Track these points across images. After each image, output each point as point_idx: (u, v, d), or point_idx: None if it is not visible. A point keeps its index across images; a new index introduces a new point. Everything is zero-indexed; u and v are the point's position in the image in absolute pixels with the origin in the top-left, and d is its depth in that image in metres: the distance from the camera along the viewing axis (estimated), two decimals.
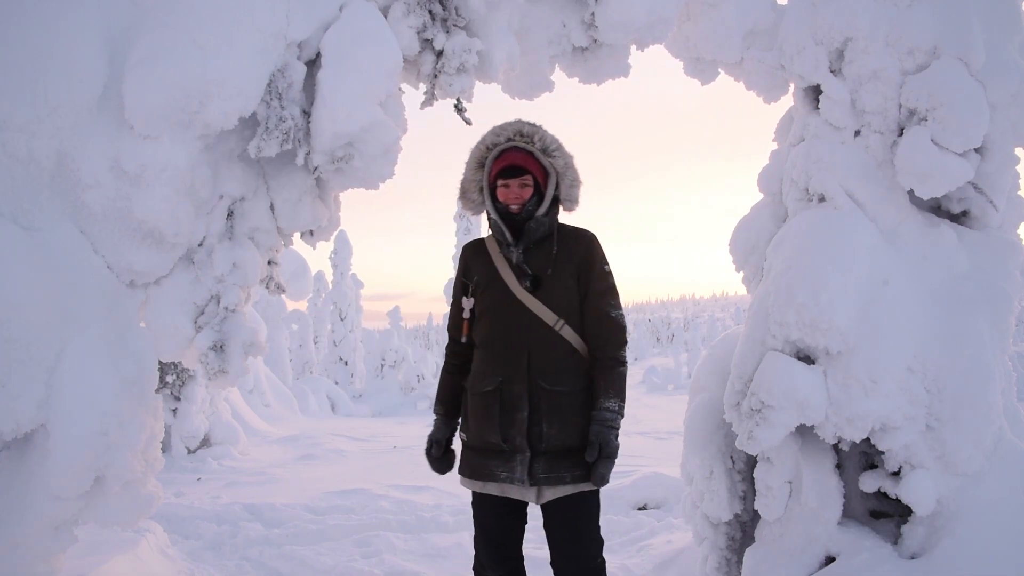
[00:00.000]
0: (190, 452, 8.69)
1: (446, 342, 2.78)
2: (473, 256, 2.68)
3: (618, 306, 2.61)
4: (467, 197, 2.66)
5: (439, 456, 2.70)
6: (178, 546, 4.74)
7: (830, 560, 2.95)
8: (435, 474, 2.73)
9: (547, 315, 2.50)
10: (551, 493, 2.48)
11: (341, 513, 5.81)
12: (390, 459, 8.91)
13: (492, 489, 2.53)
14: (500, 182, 2.55)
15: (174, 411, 8.66)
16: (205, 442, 8.97)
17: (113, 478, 2.50)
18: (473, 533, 2.66)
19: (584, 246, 2.60)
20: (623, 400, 2.53)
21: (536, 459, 2.46)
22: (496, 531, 2.60)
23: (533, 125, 2.58)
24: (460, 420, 2.70)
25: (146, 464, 2.66)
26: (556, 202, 2.61)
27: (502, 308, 2.54)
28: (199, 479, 7.53)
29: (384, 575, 4.23)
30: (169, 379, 8.60)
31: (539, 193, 2.56)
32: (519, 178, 2.53)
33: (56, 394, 2.42)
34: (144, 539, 4.13)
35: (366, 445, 10.41)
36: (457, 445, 2.72)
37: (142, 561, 3.94)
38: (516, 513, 2.61)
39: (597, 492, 2.56)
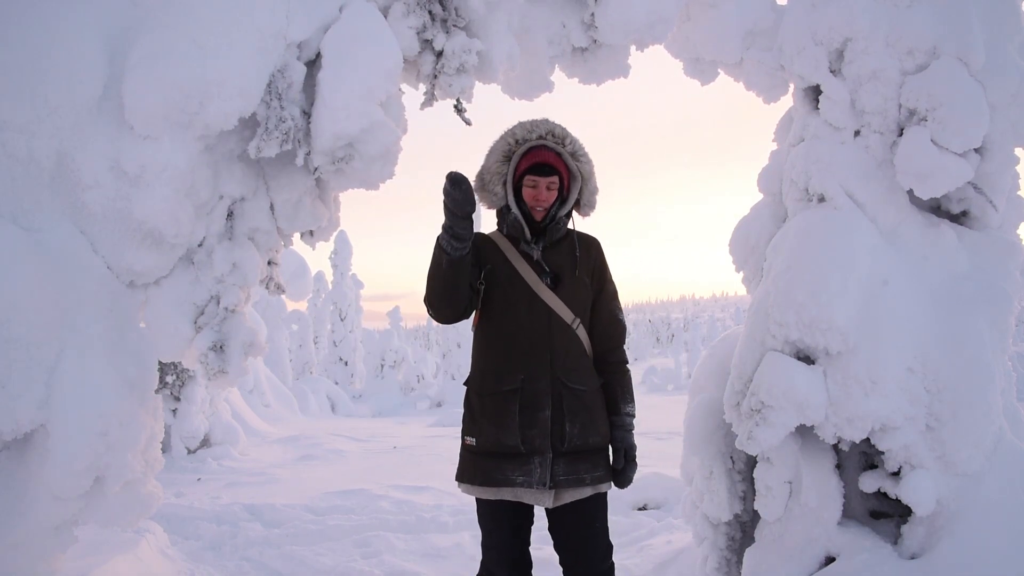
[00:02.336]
0: (190, 452, 8.69)
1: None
2: (485, 245, 2.56)
3: (622, 311, 2.68)
4: (488, 190, 2.56)
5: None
6: (178, 546, 4.74)
7: (830, 560, 2.95)
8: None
9: (566, 313, 2.48)
10: (569, 496, 2.44)
11: (341, 513, 5.81)
12: (390, 459, 8.91)
13: (506, 495, 2.43)
14: (528, 179, 2.50)
15: (174, 411, 8.66)
16: (205, 442, 8.97)
17: (113, 478, 2.50)
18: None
19: (597, 250, 2.64)
20: (634, 403, 2.63)
21: (556, 461, 2.40)
22: (508, 538, 2.52)
23: (562, 127, 2.55)
24: (464, 424, 2.56)
25: (146, 464, 2.66)
26: (574, 205, 2.60)
27: (522, 304, 2.47)
28: (199, 479, 7.53)
29: (384, 575, 4.23)
30: (169, 379, 8.60)
31: (561, 195, 2.55)
32: (548, 178, 2.49)
33: (56, 394, 2.42)
34: (144, 539, 4.14)
35: (366, 445, 10.41)
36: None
37: (142, 561, 3.94)
38: (527, 516, 2.56)
39: (606, 494, 2.55)
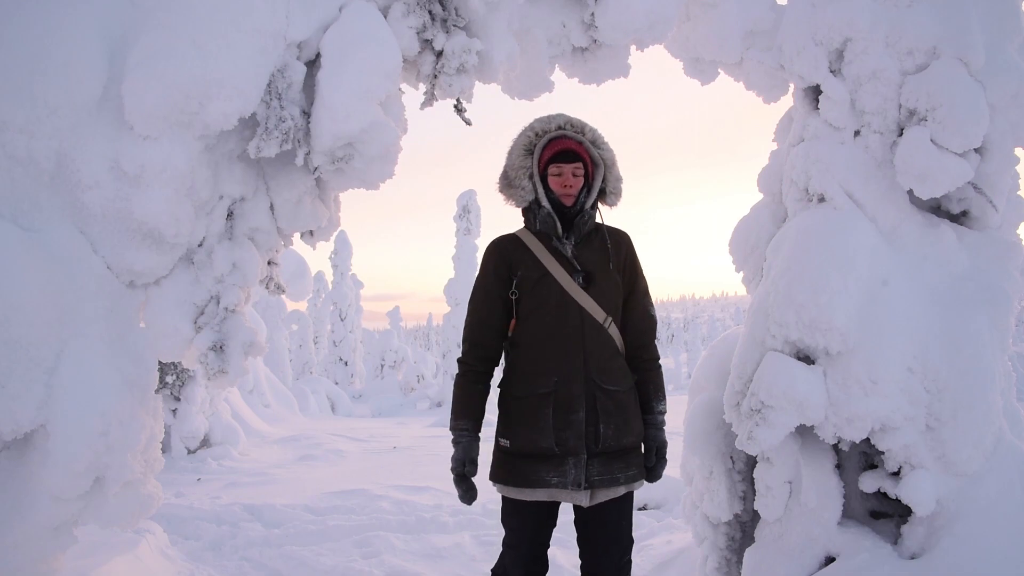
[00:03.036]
0: (190, 452, 8.69)
1: (463, 350, 2.57)
2: (513, 250, 2.53)
3: (653, 306, 2.68)
4: (514, 185, 2.52)
5: (473, 475, 2.48)
6: (178, 547, 4.74)
7: (830, 560, 2.95)
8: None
9: (598, 312, 2.46)
10: (604, 495, 2.45)
11: (341, 513, 5.81)
12: (390, 459, 8.91)
13: (541, 496, 2.43)
14: (553, 168, 2.49)
15: (174, 411, 8.66)
16: (205, 442, 8.97)
17: (113, 479, 2.50)
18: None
19: (627, 244, 2.62)
20: (666, 400, 2.64)
21: (591, 461, 2.40)
22: (532, 537, 2.53)
23: (578, 118, 2.56)
24: (499, 426, 2.54)
25: (146, 464, 2.66)
26: (598, 196, 2.58)
27: (554, 304, 2.44)
28: (199, 479, 7.53)
29: (384, 575, 4.23)
30: (169, 379, 8.60)
31: (586, 185, 2.53)
32: (572, 164, 2.48)
33: (56, 395, 2.42)
34: (144, 540, 4.14)
35: (366, 445, 10.41)
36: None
37: (142, 562, 3.94)
38: (552, 517, 2.56)
39: (633, 492, 2.57)
